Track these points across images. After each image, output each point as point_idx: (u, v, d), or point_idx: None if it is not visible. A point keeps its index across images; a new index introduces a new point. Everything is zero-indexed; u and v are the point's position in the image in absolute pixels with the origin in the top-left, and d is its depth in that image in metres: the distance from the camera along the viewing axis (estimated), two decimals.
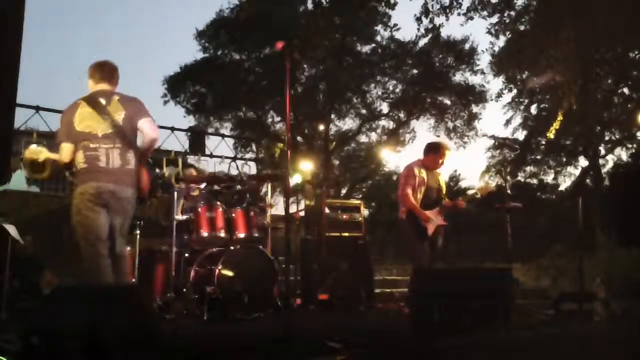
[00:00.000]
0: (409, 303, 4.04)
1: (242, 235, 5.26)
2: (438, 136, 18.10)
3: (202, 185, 5.56)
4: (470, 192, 5.83)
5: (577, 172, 18.47)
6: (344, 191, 19.80)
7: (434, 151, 5.52)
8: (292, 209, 6.59)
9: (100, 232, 3.62)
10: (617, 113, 16.39)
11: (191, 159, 9.10)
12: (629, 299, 4.70)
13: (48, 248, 5.96)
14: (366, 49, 18.05)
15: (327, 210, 6.43)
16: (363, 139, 20.02)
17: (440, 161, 5.50)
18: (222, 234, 5.14)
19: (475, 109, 18.00)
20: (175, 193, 5.16)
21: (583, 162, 17.93)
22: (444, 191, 5.52)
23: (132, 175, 3.77)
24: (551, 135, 13.06)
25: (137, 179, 3.80)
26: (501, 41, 14.32)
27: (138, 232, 4.85)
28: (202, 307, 4.71)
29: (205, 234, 5.07)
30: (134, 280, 4.76)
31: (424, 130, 25.70)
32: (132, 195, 3.78)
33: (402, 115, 18.61)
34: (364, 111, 18.82)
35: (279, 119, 18.04)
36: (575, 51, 10.94)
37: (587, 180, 17.27)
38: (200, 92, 17.55)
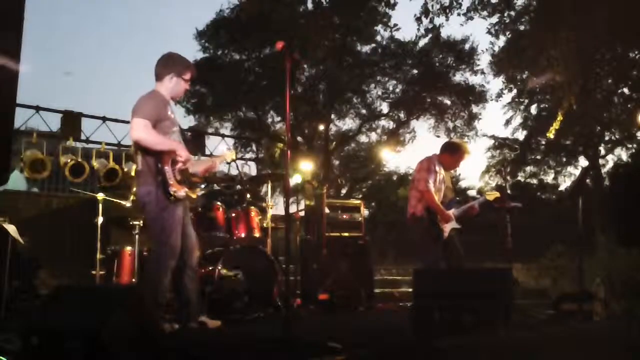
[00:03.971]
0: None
1: (242, 235, 5.26)
2: (438, 136, 18.09)
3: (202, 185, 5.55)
4: (481, 197, 5.29)
5: (577, 172, 18.50)
6: (344, 191, 19.77)
7: (454, 151, 5.11)
8: (292, 209, 6.58)
9: None
10: (617, 113, 16.37)
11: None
12: (629, 299, 4.70)
13: (48, 248, 5.97)
14: (366, 49, 18.02)
15: (327, 210, 6.43)
16: (363, 139, 20.00)
17: (458, 163, 5.17)
18: (222, 234, 5.14)
19: (475, 109, 17.97)
20: None
21: (583, 162, 17.97)
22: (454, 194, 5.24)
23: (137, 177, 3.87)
24: (551, 135, 13.04)
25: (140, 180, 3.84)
26: (501, 41, 14.31)
27: (137, 232, 4.85)
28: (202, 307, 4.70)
29: (205, 234, 5.06)
30: (133, 280, 4.76)
31: (424, 130, 25.71)
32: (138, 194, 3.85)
33: (402, 115, 18.58)
34: (364, 111, 18.80)
35: (279, 119, 18.04)
36: (575, 51, 10.92)
37: (587, 180, 17.28)
38: (200, 92, 17.52)
